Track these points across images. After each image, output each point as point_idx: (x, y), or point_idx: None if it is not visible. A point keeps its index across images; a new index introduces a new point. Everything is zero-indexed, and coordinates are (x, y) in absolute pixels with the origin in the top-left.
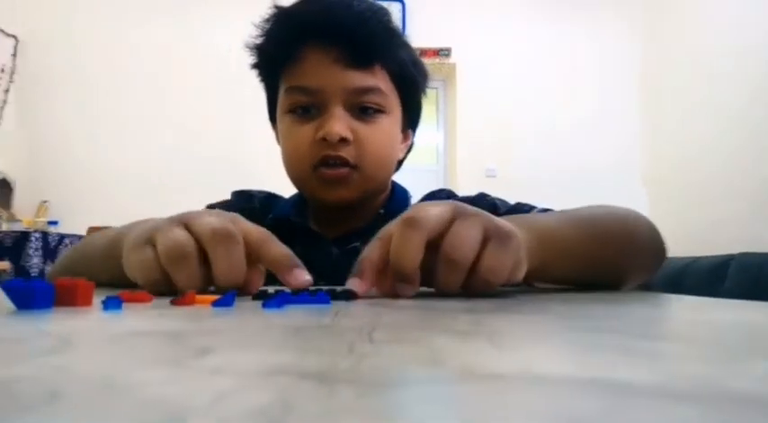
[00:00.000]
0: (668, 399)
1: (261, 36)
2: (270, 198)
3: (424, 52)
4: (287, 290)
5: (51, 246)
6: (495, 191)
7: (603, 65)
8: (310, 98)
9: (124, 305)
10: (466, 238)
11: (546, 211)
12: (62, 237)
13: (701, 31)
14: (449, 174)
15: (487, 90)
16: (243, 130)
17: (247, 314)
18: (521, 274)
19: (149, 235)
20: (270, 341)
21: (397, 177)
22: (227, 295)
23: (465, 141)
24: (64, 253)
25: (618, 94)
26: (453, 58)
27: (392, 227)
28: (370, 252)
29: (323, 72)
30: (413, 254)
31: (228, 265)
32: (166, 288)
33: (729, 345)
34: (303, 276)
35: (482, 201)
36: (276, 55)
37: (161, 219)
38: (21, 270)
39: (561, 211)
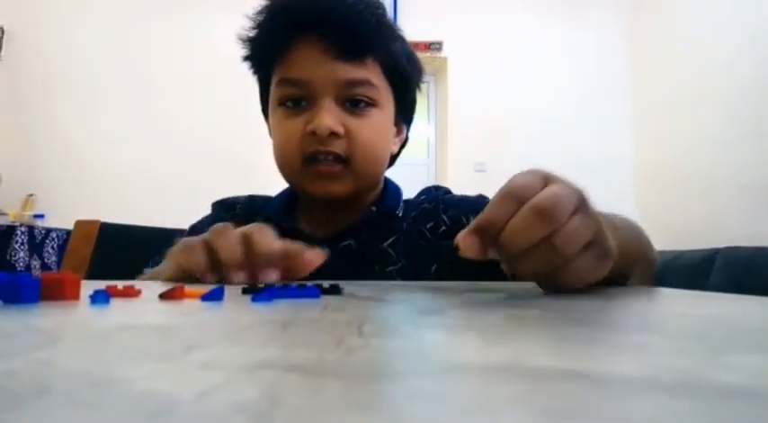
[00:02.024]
0: (655, 391)
1: (253, 28)
2: (252, 201)
3: (416, 46)
4: (277, 284)
5: (37, 240)
6: (486, 185)
7: (595, 60)
8: (300, 91)
9: (112, 299)
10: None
11: None
12: (48, 230)
13: (690, 27)
14: (439, 168)
15: (478, 84)
16: (230, 124)
17: (236, 308)
18: (605, 271)
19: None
20: (258, 335)
21: (388, 171)
22: (216, 289)
23: (456, 136)
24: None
25: (609, 89)
26: (444, 52)
27: (526, 195)
28: (499, 215)
29: (313, 64)
30: (529, 243)
31: (226, 243)
32: (206, 268)
33: (714, 338)
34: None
35: (484, 202)
36: (267, 47)
37: None
38: (6, 264)
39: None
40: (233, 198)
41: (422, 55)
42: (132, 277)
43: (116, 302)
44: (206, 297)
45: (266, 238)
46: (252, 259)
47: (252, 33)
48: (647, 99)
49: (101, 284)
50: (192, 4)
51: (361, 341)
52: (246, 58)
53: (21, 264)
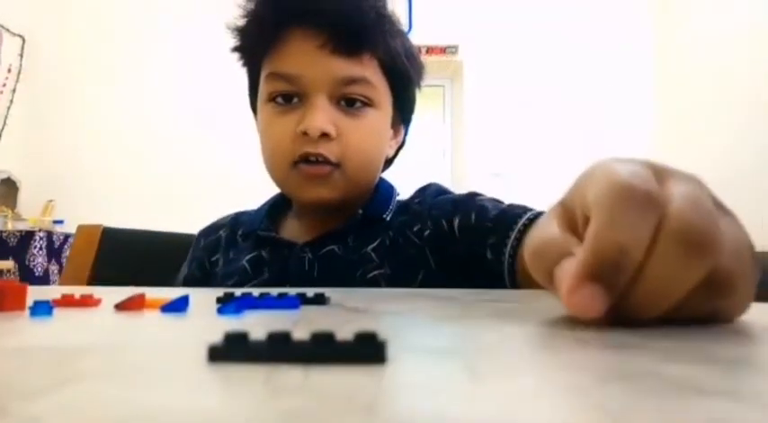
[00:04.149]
0: None
1: (243, 17)
2: (236, 219)
3: (431, 49)
4: (254, 293)
5: (56, 245)
6: (502, 190)
7: (615, 63)
8: (291, 86)
9: (57, 310)
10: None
11: (540, 213)
12: (67, 236)
13: (714, 27)
14: (455, 173)
15: (495, 88)
16: (249, 137)
17: (192, 323)
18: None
19: None
20: (172, 367)
21: (403, 176)
22: (180, 299)
23: (472, 140)
24: None
25: (632, 92)
26: (460, 56)
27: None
28: (631, 242)
29: (305, 58)
30: (683, 290)
31: None
32: None
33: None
34: None
35: (471, 201)
36: (257, 38)
37: None
38: (25, 270)
39: None
40: (218, 222)
41: (437, 59)
42: (135, 281)
43: (61, 314)
44: (166, 308)
45: None
46: None
47: (241, 23)
48: (671, 102)
49: (89, 290)
50: (214, 9)
51: (303, 379)
52: (235, 50)
53: (39, 269)
